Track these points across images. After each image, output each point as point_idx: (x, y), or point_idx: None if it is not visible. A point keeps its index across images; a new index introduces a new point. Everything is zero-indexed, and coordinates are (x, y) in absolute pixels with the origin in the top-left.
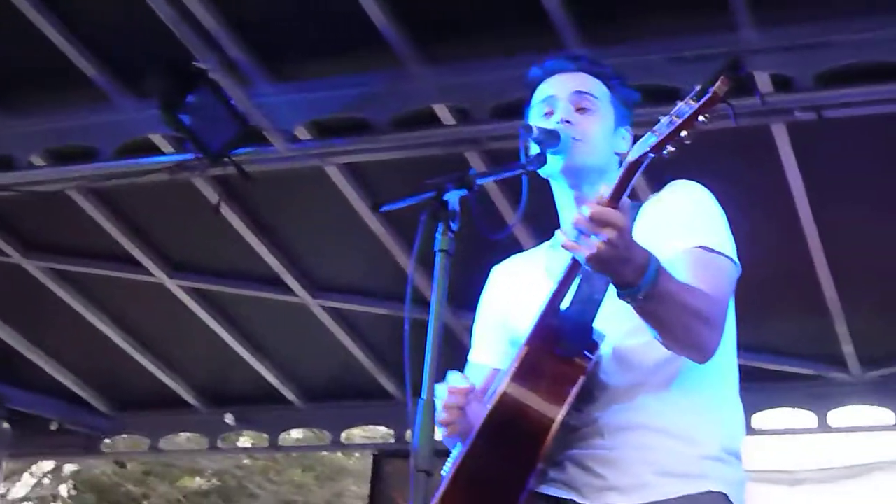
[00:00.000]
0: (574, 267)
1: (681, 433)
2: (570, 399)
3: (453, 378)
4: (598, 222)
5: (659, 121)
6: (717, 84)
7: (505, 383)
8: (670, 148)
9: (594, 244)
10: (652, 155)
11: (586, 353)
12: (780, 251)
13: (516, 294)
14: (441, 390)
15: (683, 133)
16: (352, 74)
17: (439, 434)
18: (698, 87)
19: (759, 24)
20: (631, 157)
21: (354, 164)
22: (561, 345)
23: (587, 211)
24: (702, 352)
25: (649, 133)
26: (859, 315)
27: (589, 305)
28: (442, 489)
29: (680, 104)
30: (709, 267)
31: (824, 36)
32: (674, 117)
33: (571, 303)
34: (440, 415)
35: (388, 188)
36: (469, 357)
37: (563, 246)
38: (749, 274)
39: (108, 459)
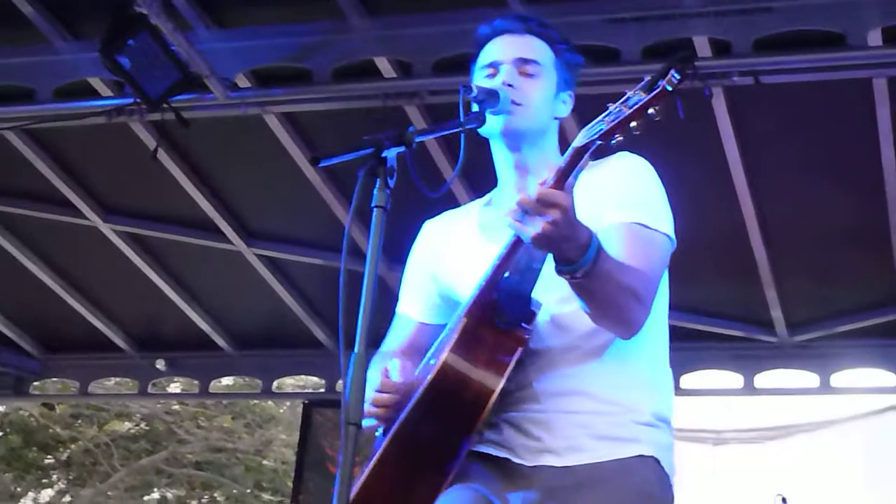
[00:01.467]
0: (518, 242)
1: (614, 399)
2: (507, 371)
3: (389, 368)
4: (543, 203)
5: (607, 107)
6: (667, 78)
7: (445, 353)
8: (618, 136)
9: (539, 224)
10: (600, 142)
11: (524, 324)
12: (714, 214)
13: (449, 251)
14: (372, 379)
15: (633, 123)
16: (293, 24)
17: (366, 422)
18: (649, 78)
19: None
20: (578, 143)
21: (294, 114)
22: (500, 316)
23: (534, 192)
24: (629, 328)
25: (598, 120)
26: (788, 280)
27: (527, 275)
28: (378, 452)
29: (629, 93)
30: (644, 243)
31: (763, 2)
32: (623, 107)
33: (510, 273)
34: (369, 408)
35: (326, 138)
36: (397, 309)
37: (509, 225)
38: (682, 236)
39: (36, 402)
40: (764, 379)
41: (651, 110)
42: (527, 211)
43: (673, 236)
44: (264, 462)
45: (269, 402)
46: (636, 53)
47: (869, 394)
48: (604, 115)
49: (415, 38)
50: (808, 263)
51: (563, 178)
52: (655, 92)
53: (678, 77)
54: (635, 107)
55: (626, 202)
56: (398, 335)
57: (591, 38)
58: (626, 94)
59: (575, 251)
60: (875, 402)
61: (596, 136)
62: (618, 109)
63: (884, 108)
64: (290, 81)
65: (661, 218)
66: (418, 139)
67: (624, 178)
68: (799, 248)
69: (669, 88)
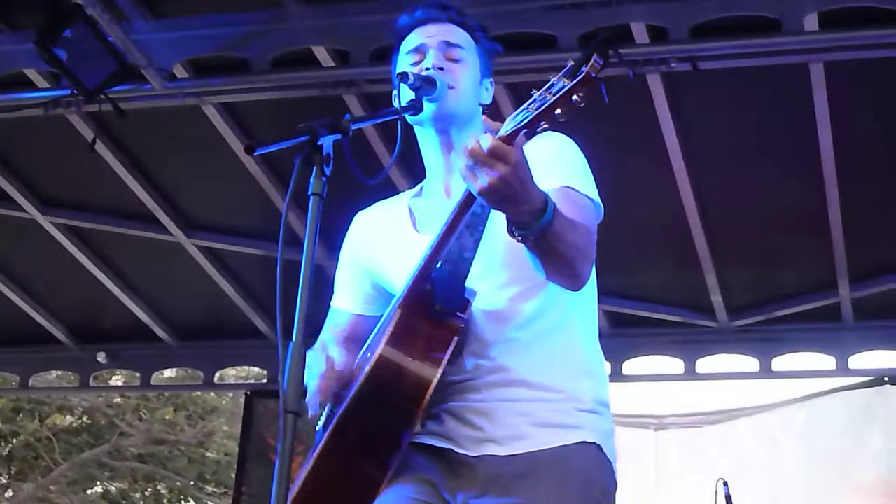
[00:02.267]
0: (448, 232)
1: (555, 387)
2: (444, 361)
3: (332, 355)
4: (492, 155)
5: (532, 94)
6: (590, 64)
7: (381, 346)
8: (544, 124)
9: (487, 177)
10: (525, 130)
11: (459, 314)
12: (653, 200)
13: (382, 242)
14: (314, 367)
15: (558, 111)
16: (231, 13)
17: (309, 398)
18: (571, 64)
19: None
20: (503, 132)
21: (232, 104)
22: (434, 307)
23: (485, 142)
24: (579, 281)
25: (523, 108)
26: (728, 265)
27: (460, 264)
28: (318, 448)
29: (553, 79)
30: (577, 205)
31: None
32: (547, 94)
33: (442, 263)
34: (312, 396)
35: (265, 128)
36: (332, 302)
37: (459, 172)
38: (623, 222)
39: None
40: (705, 364)
41: (575, 97)
42: (476, 162)
43: (601, 203)
44: (207, 454)
45: (212, 394)
46: (573, 40)
47: (809, 378)
48: (528, 102)
49: (352, 26)
50: (747, 248)
51: (509, 140)
52: (579, 78)
53: (601, 62)
54: (559, 94)
55: (556, 171)
56: (334, 328)
57: (528, 25)
58: (550, 80)
59: (528, 215)
60: (815, 385)
61: (521, 124)
62: (542, 97)
63: (820, 93)
64: (228, 71)
65: (590, 186)
66: (354, 127)
67: (552, 152)
68: (738, 233)
69: (593, 74)
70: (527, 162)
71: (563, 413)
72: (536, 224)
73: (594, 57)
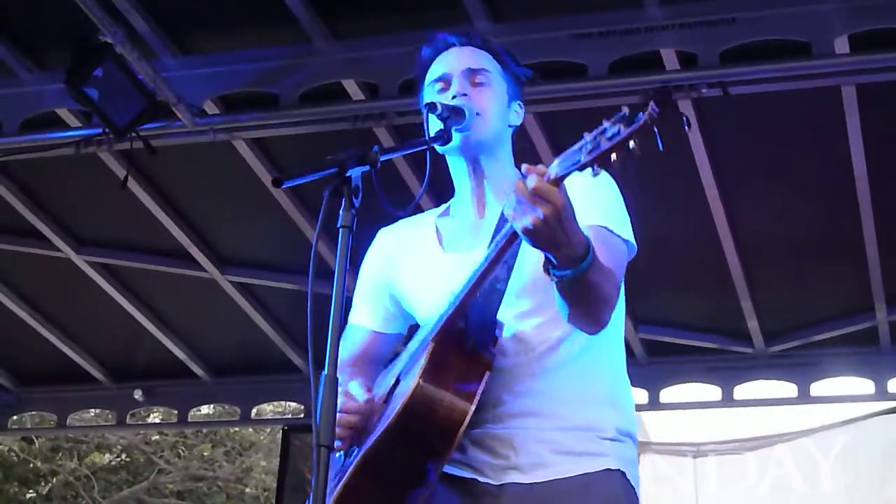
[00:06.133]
0: (488, 267)
1: (578, 417)
2: (477, 396)
3: (351, 389)
4: (537, 196)
5: (584, 137)
6: (647, 111)
7: (415, 381)
8: (597, 168)
9: (531, 217)
10: (578, 172)
11: (490, 347)
12: (687, 226)
13: (405, 261)
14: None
15: (613, 157)
16: (259, 48)
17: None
18: (627, 112)
19: (664, 1)
20: (553, 173)
21: (262, 139)
22: (467, 341)
23: (531, 182)
24: (598, 327)
25: (575, 150)
26: (763, 290)
27: (493, 296)
28: (345, 480)
29: (606, 124)
30: (610, 247)
31: (728, 13)
32: (601, 138)
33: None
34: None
35: (296, 163)
36: (350, 318)
37: (504, 210)
38: (656, 249)
39: (14, 436)
40: (743, 390)
41: (632, 144)
42: (521, 201)
43: (634, 242)
44: (246, 489)
45: (249, 430)
46: (603, 68)
47: (848, 402)
48: (580, 145)
49: (380, 59)
50: (782, 273)
51: (556, 182)
52: (637, 125)
53: (658, 110)
54: (616, 140)
55: (592, 208)
56: (350, 345)
57: (557, 53)
58: (602, 126)
59: (569, 258)
60: (854, 410)
61: (574, 167)
62: (596, 141)
63: (853, 116)
64: (258, 106)
65: (625, 226)
66: (383, 158)
67: (589, 188)
68: (773, 257)
69: (649, 122)
70: (571, 206)
71: (586, 441)
72: (574, 269)
73: (651, 104)
